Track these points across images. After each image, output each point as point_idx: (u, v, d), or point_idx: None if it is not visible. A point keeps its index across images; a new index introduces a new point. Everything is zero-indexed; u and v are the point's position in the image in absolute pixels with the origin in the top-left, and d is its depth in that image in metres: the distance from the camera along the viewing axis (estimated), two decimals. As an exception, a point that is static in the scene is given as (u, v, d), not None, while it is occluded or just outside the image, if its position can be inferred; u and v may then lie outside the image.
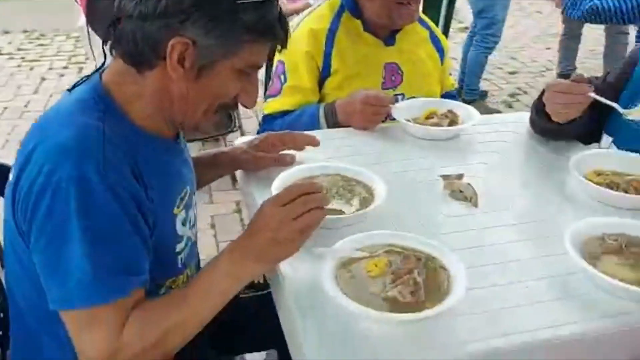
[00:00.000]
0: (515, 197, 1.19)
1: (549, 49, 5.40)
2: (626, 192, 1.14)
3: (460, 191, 1.17)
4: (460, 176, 1.21)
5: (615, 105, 1.25)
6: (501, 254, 1.00)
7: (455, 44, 4.74)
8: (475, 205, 1.14)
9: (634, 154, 1.26)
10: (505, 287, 0.92)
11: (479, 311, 0.87)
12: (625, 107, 1.35)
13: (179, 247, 0.98)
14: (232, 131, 2.98)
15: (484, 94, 4.23)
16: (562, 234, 0.97)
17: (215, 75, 0.87)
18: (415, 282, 0.85)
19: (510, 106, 4.17)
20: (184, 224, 0.98)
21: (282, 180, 1.12)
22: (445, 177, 1.21)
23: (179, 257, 0.99)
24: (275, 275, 0.97)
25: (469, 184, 1.17)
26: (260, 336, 1.32)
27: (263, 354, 1.67)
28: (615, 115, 1.38)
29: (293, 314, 0.86)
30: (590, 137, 1.43)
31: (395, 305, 0.83)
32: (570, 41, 4.32)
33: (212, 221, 2.85)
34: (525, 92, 4.36)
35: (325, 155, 1.30)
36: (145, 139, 0.91)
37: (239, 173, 1.30)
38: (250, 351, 1.55)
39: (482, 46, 3.96)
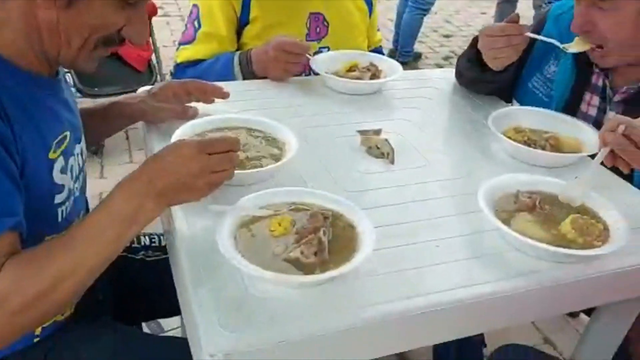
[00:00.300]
0: (434, 154, 1.14)
1: (484, 13, 5.44)
2: (543, 149, 1.11)
3: (377, 147, 1.11)
4: (377, 132, 1.15)
5: (553, 41, 1.21)
6: (416, 212, 0.95)
7: (392, 4, 4.67)
8: (392, 162, 1.09)
9: (552, 112, 1.24)
10: (419, 245, 0.87)
11: (390, 271, 0.81)
12: (533, 67, 1.33)
13: (58, 197, 0.87)
14: (152, 84, 2.81)
15: (418, 56, 4.21)
16: (477, 192, 0.93)
17: (90, 4, 0.75)
18: (320, 241, 0.79)
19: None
20: (63, 172, 0.87)
21: (183, 132, 1.02)
22: (362, 132, 1.15)
23: (60, 210, 0.88)
24: (170, 233, 0.88)
25: (386, 140, 1.11)
26: (170, 300, 1.23)
27: (178, 319, 1.59)
28: (521, 82, 1.37)
29: (185, 277, 0.78)
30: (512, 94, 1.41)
31: (298, 267, 0.77)
32: (506, 5, 4.34)
33: (132, 182, 2.69)
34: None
35: (237, 107, 1.21)
36: (11, 71, 0.79)
37: (140, 125, 1.18)
38: (163, 316, 1.47)
39: (415, 7, 3.91)
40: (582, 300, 0.90)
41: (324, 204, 0.88)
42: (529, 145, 1.11)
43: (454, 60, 4.39)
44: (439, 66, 4.22)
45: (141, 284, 1.21)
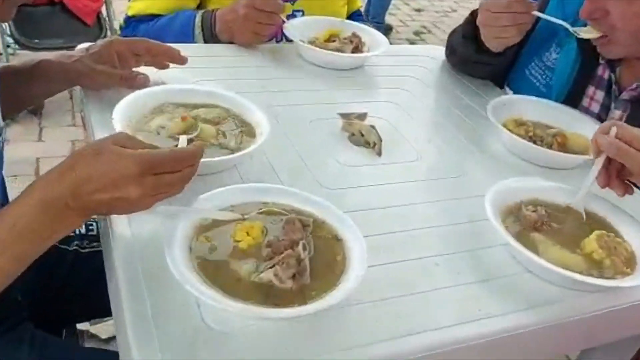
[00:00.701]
0: (426, 146, 0.98)
1: (455, -11, 5.29)
2: (550, 146, 0.97)
3: (362, 134, 0.95)
4: (362, 116, 0.99)
5: (564, 23, 1.06)
6: (409, 219, 0.80)
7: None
8: (379, 153, 0.92)
9: (557, 104, 1.10)
10: (414, 263, 0.72)
11: (382, 297, 0.65)
12: (532, 52, 1.19)
13: None
14: (101, 41, 2.53)
15: (389, 29, 4.03)
16: (477, 195, 0.80)
17: None
18: (299, 260, 0.62)
19: (413, 44, 4.02)
20: None
21: (128, 108, 0.82)
22: (344, 116, 0.98)
23: None
24: (106, 237, 0.70)
25: (372, 127, 0.95)
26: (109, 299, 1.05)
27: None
28: (517, 67, 1.22)
29: (122, 300, 0.60)
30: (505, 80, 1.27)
31: (270, 293, 0.60)
32: None
33: (74, 147, 2.44)
34: (430, 32, 4.21)
35: (195, 77, 1.01)
36: None
37: (78, 90, 0.97)
38: (101, 316, 1.28)
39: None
40: (606, 334, 0.76)
41: (302, 207, 0.72)
42: (535, 142, 0.97)
43: (425, 36, 4.24)
44: (410, 41, 4.05)
45: (75, 280, 1.03)
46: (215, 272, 0.61)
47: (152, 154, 0.61)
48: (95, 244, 1.06)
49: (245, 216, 0.68)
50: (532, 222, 0.77)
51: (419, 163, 0.93)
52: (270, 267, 0.61)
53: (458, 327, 0.64)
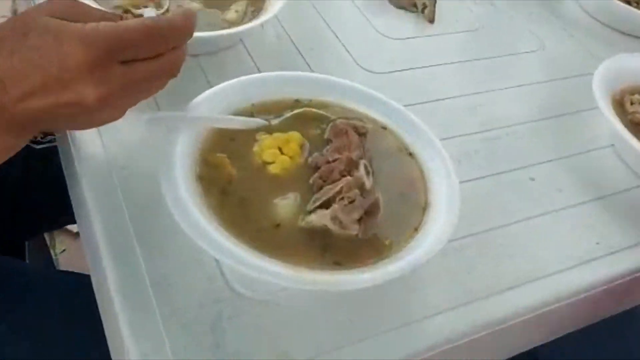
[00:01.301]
0: (486, 9, 0.75)
1: None
2: (641, 6, 0.75)
3: (406, -7, 0.70)
4: (404, -34, 0.73)
5: None
6: (480, 114, 0.59)
7: None
8: (431, 20, 0.69)
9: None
10: (502, 179, 0.53)
11: (464, 235, 0.46)
12: None
13: None
14: None
15: None
16: (562, 77, 0.64)
17: None
18: (363, 190, 0.42)
19: None
20: None
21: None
22: (381, -35, 0.72)
23: None
24: (67, 158, 0.48)
25: (420, -18, 0.70)
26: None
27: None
28: None
29: (101, 257, 0.40)
30: None
31: (326, 245, 0.40)
32: None
33: (14, 5, 2.06)
34: None
35: None
36: None
37: None
38: (74, 222, 1.09)
39: None
40: None
41: (349, 104, 0.50)
42: (629, 2, 0.74)
43: None
44: None
45: (33, 183, 0.83)
46: (240, 215, 0.40)
47: (114, 27, 0.37)
48: (52, 137, 0.83)
49: (273, 121, 0.47)
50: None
51: (482, 33, 0.70)
52: (323, 205, 0.41)
53: (575, 270, 0.46)
